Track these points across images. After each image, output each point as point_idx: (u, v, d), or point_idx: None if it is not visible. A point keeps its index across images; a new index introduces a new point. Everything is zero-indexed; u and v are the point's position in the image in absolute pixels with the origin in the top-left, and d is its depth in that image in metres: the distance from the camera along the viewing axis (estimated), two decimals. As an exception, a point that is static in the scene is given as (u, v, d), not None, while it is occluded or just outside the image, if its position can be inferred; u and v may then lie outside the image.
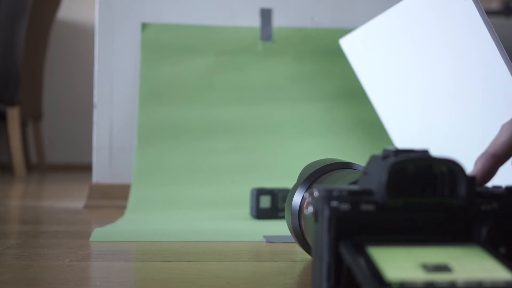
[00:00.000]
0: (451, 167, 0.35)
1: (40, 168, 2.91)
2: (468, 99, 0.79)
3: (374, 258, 0.32)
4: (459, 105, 0.82)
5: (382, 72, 0.99)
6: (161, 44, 1.20)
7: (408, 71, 0.91)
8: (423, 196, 0.35)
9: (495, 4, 2.53)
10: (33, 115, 2.77)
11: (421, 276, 0.30)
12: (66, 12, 3.42)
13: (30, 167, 2.95)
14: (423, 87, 0.89)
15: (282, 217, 0.95)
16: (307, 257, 0.60)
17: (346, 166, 0.56)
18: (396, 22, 0.89)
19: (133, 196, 1.08)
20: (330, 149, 1.18)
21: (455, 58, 0.79)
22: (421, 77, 0.88)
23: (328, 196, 0.34)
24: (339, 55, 1.23)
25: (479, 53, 0.73)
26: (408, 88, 0.93)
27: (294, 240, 0.69)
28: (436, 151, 0.88)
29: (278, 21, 1.25)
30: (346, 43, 1.05)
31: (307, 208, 0.36)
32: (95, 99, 1.21)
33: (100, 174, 1.20)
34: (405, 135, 0.99)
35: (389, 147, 0.36)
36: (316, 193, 0.35)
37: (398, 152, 0.36)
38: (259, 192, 0.95)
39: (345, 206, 0.34)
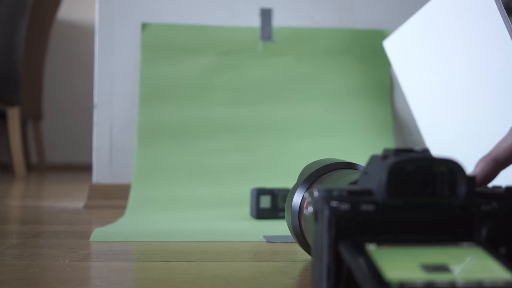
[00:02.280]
0: (451, 167, 0.35)
1: (40, 168, 2.91)
2: (485, 97, 0.79)
3: (374, 258, 0.32)
4: (475, 103, 0.82)
5: (416, 72, 1.00)
6: (161, 44, 1.20)
7: (435, 71, 0.92)
8: (423, 196, 0.35)
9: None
10: (33, 115, 2.77)
11: (421, 276, 0.30)
12: (66, 12, 3.42)
13: (30, 167, 2.95)
14: (447, 86, 0.90)
15: (282, 217, 0.95)
16: (307, 257, 0.60)
17: (346, 166, 0.56)
18: (426, 21, 0.90)
19: (133, 196, 1.08)
20: (330, 149, 1.18)
21: (472, 56, 0.79)
22: (445, 77, 0.89)
23: (328, 196, 0.34)
24: (339, 55, 1.23)
25: (498, 51, 0.73)
26: (437, 89, 0.93)
27: (294, 240, 0.69)
28: (465, 150, 0.88)
29: (278, 21, 1.25)
30: (389, 45, 1.06)
31: (307, 208, 0.36)
32: (95, 99, 1.21)
33: (100, 174, 1.20)
34: (436, 135, 1.00)
35: (389, 147, 0.36)
36: (316, 193, 0.35)
37: (398, 152, 0.36)
38: (259, 192, 0.95)
39: (345, 206, 0.34)
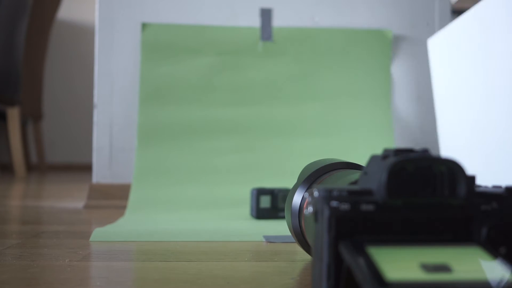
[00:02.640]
0: (451, 167, 0.35)
1: (40, 168, 2.91)
2: None
3: (374, 258, 0.32)
4: None
5: (454, 79, 0.95)
6: (161, 44, 1.20)
7: (474, 82, 0.87)
8: (423, 196, 0.35)
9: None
10: (33, 115, 2.77)
11: (420, 276, 0.30)
12: (66, 12, 3.42)
13: (30, 167, 2.95)
14: (484, 100, 0.85)
15: (282, 217, 0.95)
16: (307, 257, 0.60)
17: (346, 166, 0.56)
18: (471, 27, 0.84)
19: (133, 196, 1.08)
20: (330, 149, 1.18)
21: None
22: (484, 90, 0.84)
23: (328, 196, 0.34)
24: (339, 55, 1.23)
25: None
26: (470, 100, 0.89)
27: (294, 240, 0.69)
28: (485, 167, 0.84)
29: (278, 21, 1.25)
30: (433, 44, 1.02)
31: (307, 208, 0.36)
32: (95, 99, 1.21)
33: (100, 174, 1.20)
34: (454, 145, 0.96)
35: (389, 147, 0.36)
36: (316, 193, 0.35)
37: (398, 152, 0.36)
38: (259, 192, 0.95)
39: (345, 206, 0.34)
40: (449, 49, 0.96)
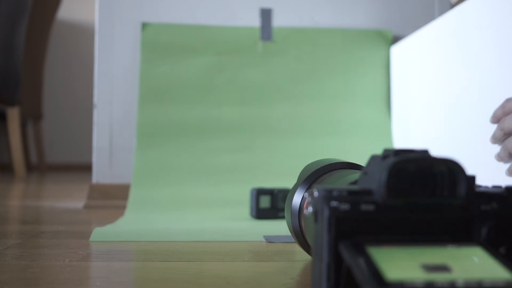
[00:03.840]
0: (451, 167, 0.35)
1: (40, 168, 2.91)
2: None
3: (374, 258, 0.32)
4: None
5: (417, 85, 0.97)
6: (161, 44, 1.20)
7: (442, 90, 0.88)
8: (423, 196, 0.35)
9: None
10: (33, 115, 2.77)
11: (421, 276, 0.30)
12: (66, 12, 3.42)
13: (30, 167, 2.95)
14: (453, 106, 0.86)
15: (282, 217, 0.95)
16: (307, 257, 0.60)
17: (346, 166, 0.56)
18: (441, 33, 0.87)
19: (133, 196, 1.08)
20: (330, 149, 1.18)
21: (497, 75, 0.76)
22: (452, 98, 0.85)
23: (328, 196, 0.34)
24: (339, 55, 1.23)
25: None
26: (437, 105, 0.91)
27: (294, 240, 0.69)
28: None
29: (278, 21, 1.25)
30: (396, 51, 1.05)
31: (307, 208, 0.36)
32: (95, 99, 1.21)
33: (100, 174, 1.20)
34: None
35: (389, 147, 0.36)
36: (316, 193, 0.35)
37: (398, 152, 0.36)
38: (259, 192, 0.95)
39: (345, 206, 0.34)
40: (414, 56, 0.98)
